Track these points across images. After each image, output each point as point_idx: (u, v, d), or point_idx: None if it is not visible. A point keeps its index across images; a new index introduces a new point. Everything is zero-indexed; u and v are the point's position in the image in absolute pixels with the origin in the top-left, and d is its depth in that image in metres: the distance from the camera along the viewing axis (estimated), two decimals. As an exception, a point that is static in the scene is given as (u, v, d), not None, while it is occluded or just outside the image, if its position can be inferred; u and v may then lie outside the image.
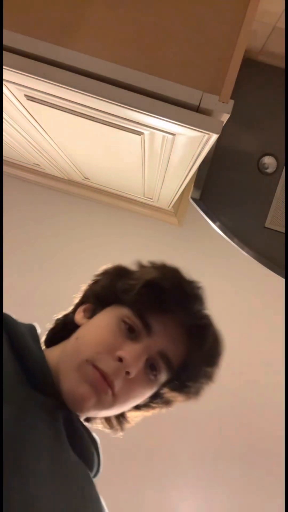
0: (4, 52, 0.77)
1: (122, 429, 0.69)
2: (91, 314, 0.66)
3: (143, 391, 0.61)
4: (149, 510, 1.97)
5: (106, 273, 0.70)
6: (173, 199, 1.53)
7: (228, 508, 1.97)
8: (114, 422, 0.68)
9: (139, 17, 0.88)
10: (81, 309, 0.68)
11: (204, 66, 0.86)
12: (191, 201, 1.61)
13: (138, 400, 0.63)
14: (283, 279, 1.59)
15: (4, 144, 1.45)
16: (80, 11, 0.88)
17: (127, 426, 0.69)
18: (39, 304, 2.00)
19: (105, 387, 0.56)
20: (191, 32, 0.87)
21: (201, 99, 0.78)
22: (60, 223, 2.05)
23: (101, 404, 0.57)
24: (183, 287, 0.63)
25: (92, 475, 0.59)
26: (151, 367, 0.60)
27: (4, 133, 1.27)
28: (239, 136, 1.55)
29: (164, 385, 0.63)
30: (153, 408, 0.68)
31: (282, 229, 1.58)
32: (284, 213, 1.58)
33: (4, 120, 1.12)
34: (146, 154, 1.03)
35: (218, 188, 1.59)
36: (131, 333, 0.60)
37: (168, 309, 0.61)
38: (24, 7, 0.87)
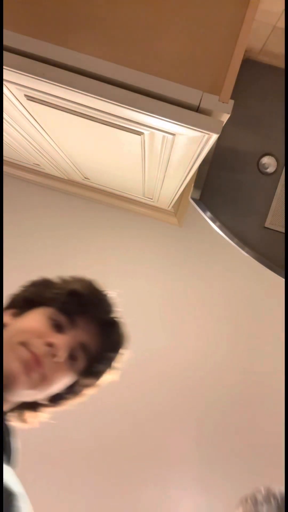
0: (4, 52, 0.77)
1: (30, 422, 0.77)
2: (20, 314, 0.76)
3: (65, 376, 0.72)
4: (149, 510, 1.97)
5: (34, 284, 0.83)
6: (173, 199, 1.53)
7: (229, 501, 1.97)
8: (26, 414, 0.76)
9: (139, 17, 0.88)
10: (8, 312, 0.77)
11: (204, 66, 0.86)
12: (191, 201, 1.61)
13: (60, 384, 0.73)
14: (283, 279, 1.59)
15: (4, 144, 1.45)
16: (80, 11, 0.88)
17: (38, 419, 0.78)
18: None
19: (34, 366, 0.66)
20: (191, 32, 0.88)
21: (201, 99, 0.78)
22: (60, 223, 2.05)
23: (28, 383, 0.66)
24: (96, 294, 0.80)
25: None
26: (72, 357, 0.72)
27: (4, 133, 1.27)
28: (239, 136, 1.55)
29: (81, 374, 0.75)
30: (66, 399, 0.79)
31: (282, 229, 1.59)
32: (284, 213, 1.58)
33: (4, 120, 1.12)
34: (146, 154, 1.03)
35: (218, 188, 1.59)
36: (57, 327, 0.72)
37: (86, 310, 0.76)
38: (24, 7, 0.87)
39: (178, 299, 2.03)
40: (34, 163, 1.67)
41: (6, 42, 0.77)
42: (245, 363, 2.00)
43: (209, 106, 0.79)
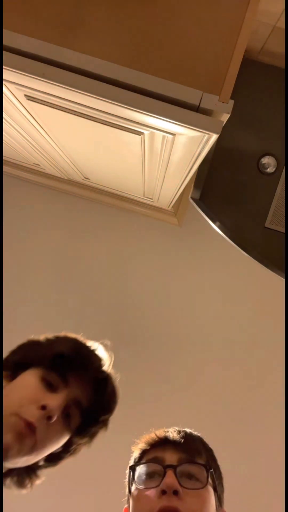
0: (4, 52, 0.77)
1: (32, 486, 0.77)
2: (11, 378, 0.77)
3: (60, 436, 0.73)
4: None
5: (20, 347, 0.84)
6: (173, 199, 1.53)
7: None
8: (26, 480, 0.76)
9: (139, 17, 0.88)
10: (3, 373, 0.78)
11: (204, 66, 0.86)
12: (191, 201, 1.61)
13: (55, 446, 0.73)
14: (283, 279, 1.59)
15: (4, 144, 1.45)
16: (80, 11, 0.88)
17: (37, 482, 0.78)
18: (34, 304, 2.01)
19: (28, 433, 0.66)
20: (191, 32, 0.87)
21: (201, 99, 0.78)
22: (60, 223, 2.05)
23: (23, 451, 0.66)
24: (82, 353, 0.80)
25: None
26: (66, 415, 0.73)
27: (4, 133, 1.27)
28: (239, 136, 1.55)
29: (75, 432, 0.76)
30: (62, 459, 0.79)
31: (282, 229, 1.59)
32: (284, 213, 1.58)
33: (4, 120, 1.12)
34: (146, 154, 1.03)
35: (218, 188, 1.59)
36: (50, 387, 0.73)
37: (75, 369, 0.76)
38: (24, 7, 0.87)
39: (178, 299, 2.03)
40: (34, 163, 1.67)
41: (6, 42, 0.77)
42: (245, 365, 2.00)
43: (209, 106, 0.79)
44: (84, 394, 0.75)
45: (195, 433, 0.77)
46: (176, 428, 0.77)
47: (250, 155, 1.56)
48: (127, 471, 0.73)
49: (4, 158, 1.77)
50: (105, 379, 0.80)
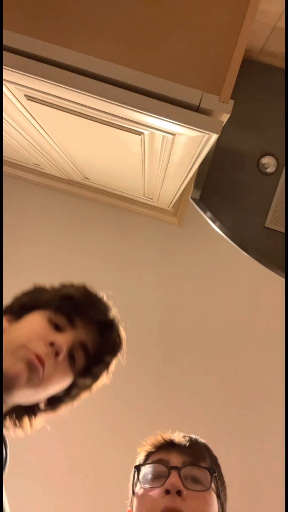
0: (4, 52, 0.77)
1: (30, 428, 0.77)
2: (16, 320, 0.76)
3: (65, 376, 0.73)
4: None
5: (25, 293, 0.84)
6: (173, 199, 1.53)
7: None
8: (25, 420, 0.76)
9: (139, 17, 0.88)
10: (4, 318, 0.77)
11: (204, 66, 0.86)
12: (191, 201, 1.61)
13: (60, 385, 0.74)
14: (283, 279, 1.59)
15: (4, 144, 1.45)
16: (80, 11, 0.88)
17: (34, 426, 0.78)
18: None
19: (37, 365, 0.66)
20: (191, 32, 0.88)
21: (201, 99, 0.78)
22: (60, 223, 2.05)
23: (31, 381, 0.67)
24: (90, 296, 0.81)
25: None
26: (71, 356, 0.73)
27: (4, 133, 1.27)
28: (239, 136, 1.55)
29: (79, 374, 0.76)
30: (63, 403, 0.79)
31: (282, 229, 1.59)
32: (284, 213, 1.58)
33: (4, 120, 1.12)
34: (146, 154, 1.03)
35: (218, 188, 1.59)
36: (57, 328, 0.73)
37: (82, 312, 0.77)
38: (23, 7, 0.87)
39: (178, 299, 2.03)
40: (34, 163, 1.67)
41: (6, 42, 0.77)
42: (245, 364, 2.00)
43: (209, 106, 0.79)
44: (90, 337, 0.76)
45: (201, 439, 0.78)
46: (182, 433, 0.78)
47: (250, 155, 1.56)
48: (132, 471, 0.74)
49: (4, 158, 1.77)
50: (111, 323, 0.80)
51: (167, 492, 0.65)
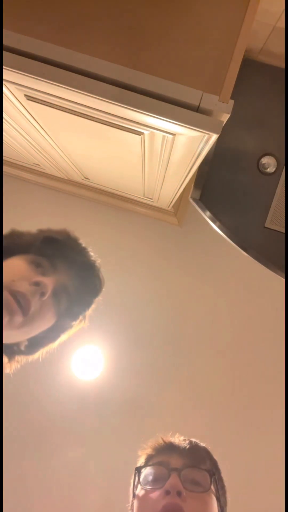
0: (4, 52, 0.77)
1: (10, 369, 0.77)
2: None
3: (49, 316, 0.74)
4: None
5: (6, 236, 0.83)
6: (173, 199, 1.53)
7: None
8: (5, 360, 0.76)
9: (139, 17, 0.88)
10: None
11: (204, 66, 0.86)
12: (191, 201, 1.61)
13: (44, 325, 0.74)
14: (283, 279, 1.59)
15: (4, 144, 1.45)
16: (80, 11, 0.88)
17: (11, 367, 0.78)
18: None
19: (15, 308, 0.66)
20: (191, 32, 0.87)
21: (201, 99, 0.78)
22: (60, 223, 2.05)
23: (11, 324, 0.66)
24: (71, 237, 0.83)
25: None
26: (55, 297, 0.73)
27: (4, 133, 1.27)
28: (239, 136, 1.55)
29: (60, 315, 0.76)
30: (42, 346, 0.79)
31: (282, 229, 1.58)
32: (284, 213, 1.58)
33: (4, 120, 1.12)
34: (146, 154, 1.03)
35: (218, 188, 1.59)
36: (40, 270, 0.73)
37: (63, 254, 0.77)
38: (24, 7, 0.87)
39: (178, 298, 2.03)
40: (34, 163, 1.67)
41: (6, 42, 0.77)
42: (245, 364, 2.00)
43: (209, 106, 0.79)
44: (72, 281, 0.76)
45: (201, 443, 0.79)
46: (182, 437, 0.79)
47: (250, 155, 1.56)
48: (133, 474, 0.75)
49: (4, 158, 1.77)
50: (92, 265, 0.81)
51: (167, 492, 0.66)
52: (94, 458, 1.92)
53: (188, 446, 0.75)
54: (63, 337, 0.81)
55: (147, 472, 0.73)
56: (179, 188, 1.30)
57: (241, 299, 2.03)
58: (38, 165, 1.68)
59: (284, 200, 1.57)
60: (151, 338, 1.97)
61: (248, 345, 2.01)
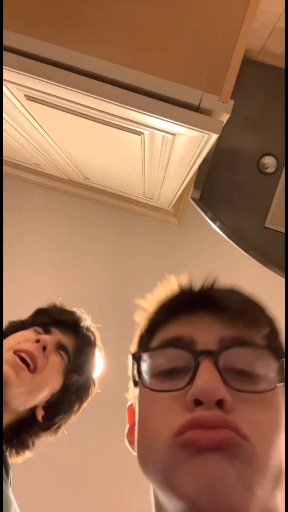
0: (4, 52, 0.77)
1: (33, 446, 0.83)
2: None
3: (56, 372, 0.80)
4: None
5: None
6: (173, 199, 1.53)
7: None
8: (27, 438, 0.82)
9: (139, 17, 0.88)
10: None
11: (204, 66, 0.86)
12: (191, 201, 1.61)
13: (53, 379, 0.80)
14: (283, 279, 1.59)
15: (4, 144, 1.45)
16: (80, 11, 0.88)
17: (36, 443, 0.83)
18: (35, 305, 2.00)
19: (21, 365, 0.74)
20: (191, 32, 0.87)
21: (201, 99, 0.78)
22: (60, 223, 2.05)
23: (22, 381, 0.73)
24: (60, 306, 0.93)
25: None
26: (58, 355, 0.82)
27: (4, 133, 1.27)
28: (239, 136, 1.55)
29: (67, 372, 0.83)
30: (60, 416, 0.85)
31: (282, 229, 1.59)
32: (284, 213, 1.58)
33: (4, 120, 1.12)
34: (146, 154, 1.03)
35: (218, 188, 1.59)
36: (39, 333, 0.83)
37: (56, 321, 0.87)
38: (24, 7, 0.87)
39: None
40: (34, 163, 1.67)
41: (6, 42, 0.77)
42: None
43: (209, 106, 0.79)
44: (67, 340, 0.85)
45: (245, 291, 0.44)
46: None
47: (250, 155, 1.56)
48: (130, 361, 0.44)
49: (4, 158, 1.77)
50: (85, 326, 0.89)
51: (197, 402, 0.34)
52: (94, 458, 1.92)
53: (225, 300, 0.41)
54: (84, 404, 0.90)
55: (153, 361, 0.40)
56: (179, 188, 1.30)
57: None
58: (38, 165, 1.68)
59: (284, 200, 1.57)
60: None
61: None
